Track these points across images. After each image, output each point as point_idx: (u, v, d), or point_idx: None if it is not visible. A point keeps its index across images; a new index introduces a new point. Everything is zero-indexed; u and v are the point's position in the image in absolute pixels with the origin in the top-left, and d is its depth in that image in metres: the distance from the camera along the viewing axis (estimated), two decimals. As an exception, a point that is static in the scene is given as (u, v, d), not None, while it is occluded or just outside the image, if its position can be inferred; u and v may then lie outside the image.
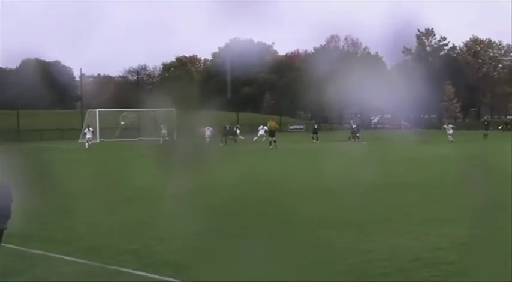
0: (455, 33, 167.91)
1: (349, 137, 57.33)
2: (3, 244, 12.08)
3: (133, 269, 10.38)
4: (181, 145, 53.11)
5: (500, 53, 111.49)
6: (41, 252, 11.73)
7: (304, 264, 10.64)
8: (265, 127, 56.25)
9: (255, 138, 54.48)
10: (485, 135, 55.05)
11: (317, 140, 55.18)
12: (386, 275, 9.88)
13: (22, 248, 12.06)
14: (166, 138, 56.04)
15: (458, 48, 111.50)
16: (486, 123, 60.68)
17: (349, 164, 28.37)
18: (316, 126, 59.71)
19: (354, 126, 58.44)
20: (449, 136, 50.59)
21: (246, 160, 36.02)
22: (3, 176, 12.49)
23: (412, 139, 50.68)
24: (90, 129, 56.38)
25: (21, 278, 10.19)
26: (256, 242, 12.05)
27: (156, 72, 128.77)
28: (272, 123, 49.74)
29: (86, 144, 53.72)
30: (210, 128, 54.48)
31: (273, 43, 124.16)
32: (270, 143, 47.33)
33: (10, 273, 10.46)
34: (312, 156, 38.35)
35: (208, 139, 53.04)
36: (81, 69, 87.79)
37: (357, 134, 56.16)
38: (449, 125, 54.49)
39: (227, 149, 48.25)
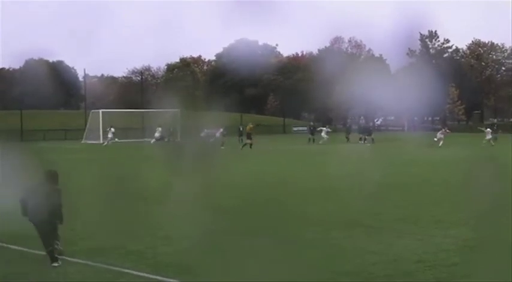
0: (458, 36, 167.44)
1: (347, 138, 57.56)
2: (6, 245, 12.12)
3: (136, 270, 10.37)
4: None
5: (504, 56, 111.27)
6: (44, 252, 11.70)
7: (310, 265, 10.62)
8: (328, 129, 56.38)
9: (321, 141, 54.04)
10: (495, 139, 54.61)
11: (313, 141, 55.21)
12: (391, 277, 9.86)
13: (26, 249, 12.05)
14: (165, 140, 57.66)
15: (461, 51, 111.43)
16: (495, 126, 60.19)
17: (356, 165, 28.33)
18: (312, 127, 59.71)
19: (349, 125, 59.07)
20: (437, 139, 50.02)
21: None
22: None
23: (417, 141, 50.58)
24: (112, 129, 59.20)
25: (25, 279, 10.18)
26: (261, 242, 12.04)
27: (160, 72, 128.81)
28: (249, 127, 49.97)
29: (105, 142, 57.80)
30: (221, 130, 54.46)
31: (277, 45, 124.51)
32: (245, 144, 47.19)
33: (14, 274, 10.45)
34: (316, 158, 38.29)
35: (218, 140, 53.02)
36: (84, 70, 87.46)
37: (364, 136, 56.16)
38: (447, 130, 53.39)
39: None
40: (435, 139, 49.20)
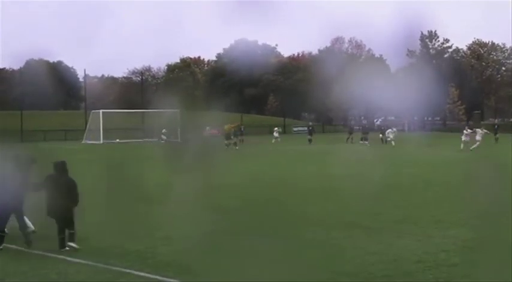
0: (458, 36, 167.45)
1: (349, 139, 57.29)
2: (6, 245, 12.13)
3: (136, 270, 10.38)
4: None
5: (504, 56, 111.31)
6: (44, 253, 11.72)
7: (310, 265, 10.62)
8: (394, 129, 55.56)
9: (389, 140, 52.94)
10: (496, 139, 54.50)
11: (310, 142, 55.19)
12: (391, 277, 9.86)
13: (25, 249, 12.06)
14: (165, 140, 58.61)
15: (461, 51, 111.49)
16: (496, 127, 60.09)
17: (356, 166, 28.34)
18: (311, 128, 59.51)
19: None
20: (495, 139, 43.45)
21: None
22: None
23: (416, 141, 50.51)
24: (164, 130, 60.71)
25: (24, 278, 10.18)
26: (261, 242, 12.04)
27: (160, 73, 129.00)
28: (227, 127, 50.00)
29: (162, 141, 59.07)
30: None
31: (277, 45, 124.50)
32: (235, 144, 47.21)
33: (13, 274, 10.45)
34: (316, 158, 38.27)
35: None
36: (85, 70, 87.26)
37: (366, 136, 56.13)
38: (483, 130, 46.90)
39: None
40: (472, 147, 43.17)
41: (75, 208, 12.23)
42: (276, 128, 61.21)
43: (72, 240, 11.93)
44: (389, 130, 54.75)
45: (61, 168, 12.29)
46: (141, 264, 10.75)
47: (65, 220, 11.97)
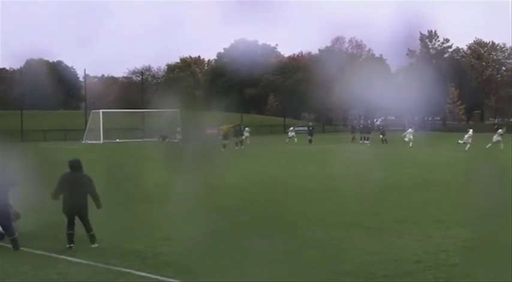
0: (458, 36, 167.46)
1: (353, 138, 57.38)
2: (6, 245, 12.13)
3: (136, 270, 10.38)
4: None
5: (504, 56, 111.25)
6: (44, 252, 11.72)
7: (310, 265, 10.62)
8: (411, 129, 54.98)
9: (406, 140, 52.25)
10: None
11: (310, 142, 55.20)
12: (391, 277, 9.87)
13: (26, 249, 12.06)
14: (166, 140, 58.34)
15: (462, 51, 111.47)
16: (496, 127, 60.03)
17: (356, 166, 28.33)
18: (311, 128, 59.48)
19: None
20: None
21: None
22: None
23: (416, 141, 50.44)
24: (178, 129, 59.12)
25: (24, 279, 10.18)
26: (261, 242, 12.04)
27: (160, 73, 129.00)
28: (225, 127, 49.90)
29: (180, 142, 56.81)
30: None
31: (277, 45, 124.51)
32: (224, 145, 46.98)
33: (14, 274, 10.45)
34: (316, 158, 38.27)
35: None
36: (85, 70, 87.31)
37: (367, 135, 56.19)
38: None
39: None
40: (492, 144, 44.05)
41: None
42: (291, 128, 61.12)
43: (93, 242, 12.16)
44: (410, 129, 53.52)
45: (76, 166, 12.62)
46: (141, 264, 10.76)
47: (81, 218, 12.24)
